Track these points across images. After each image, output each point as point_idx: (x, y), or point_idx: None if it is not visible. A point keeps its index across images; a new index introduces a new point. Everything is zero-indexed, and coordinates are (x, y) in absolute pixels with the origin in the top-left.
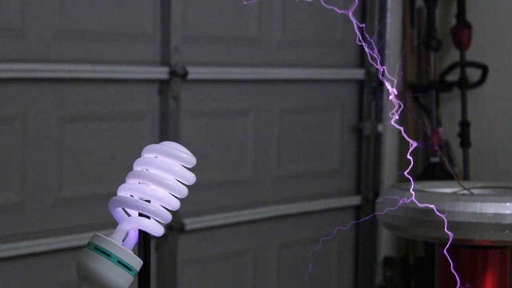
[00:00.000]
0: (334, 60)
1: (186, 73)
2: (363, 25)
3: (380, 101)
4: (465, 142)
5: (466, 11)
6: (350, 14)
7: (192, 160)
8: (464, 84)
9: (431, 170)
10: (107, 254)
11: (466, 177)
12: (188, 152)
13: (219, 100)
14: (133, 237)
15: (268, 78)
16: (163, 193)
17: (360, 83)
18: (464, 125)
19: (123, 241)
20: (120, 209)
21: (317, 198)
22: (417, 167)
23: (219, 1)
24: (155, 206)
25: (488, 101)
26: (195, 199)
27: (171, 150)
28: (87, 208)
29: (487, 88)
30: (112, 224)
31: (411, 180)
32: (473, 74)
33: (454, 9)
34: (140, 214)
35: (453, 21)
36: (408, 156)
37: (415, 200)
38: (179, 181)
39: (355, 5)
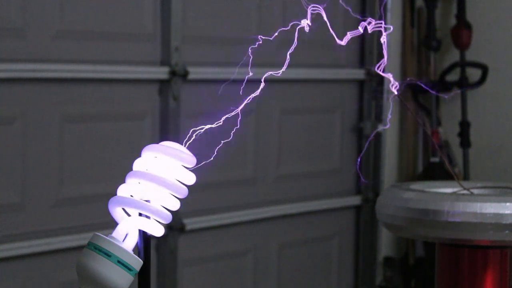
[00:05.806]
0: (334, 60)
1: (186, 73)
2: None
3: (380, 101)
4: (465, 142)
5: (466, 11)
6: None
7: (192, 160)
8: (464, 84)
9: (431, 170)
10: (107, 254)
11: (466, 177)
12: (188, 152)
13: (219, 100)
14: (133, 237)
15: (268, 77)
16: (163, 193)
17: (360, 83)
18: (464, 125)
19: (123, 241)
20: (120, 209)
21: (317, 198)
22: (417, 167)
23: (219, 1)
24: (155, 206)
25: (488, 101)
26: (195, 199)
27: (171, 150)
28: (87, 208)
29: (487, 88)
30: (112, 224)
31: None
32: (473, 74)
33: (454, 9)
34: (140, 214)
35: (453, 21)
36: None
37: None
38: (179, 181)
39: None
